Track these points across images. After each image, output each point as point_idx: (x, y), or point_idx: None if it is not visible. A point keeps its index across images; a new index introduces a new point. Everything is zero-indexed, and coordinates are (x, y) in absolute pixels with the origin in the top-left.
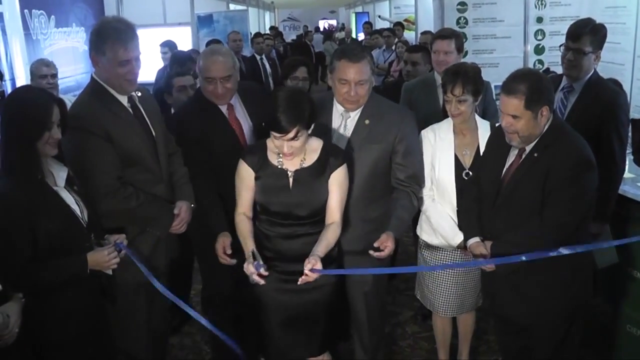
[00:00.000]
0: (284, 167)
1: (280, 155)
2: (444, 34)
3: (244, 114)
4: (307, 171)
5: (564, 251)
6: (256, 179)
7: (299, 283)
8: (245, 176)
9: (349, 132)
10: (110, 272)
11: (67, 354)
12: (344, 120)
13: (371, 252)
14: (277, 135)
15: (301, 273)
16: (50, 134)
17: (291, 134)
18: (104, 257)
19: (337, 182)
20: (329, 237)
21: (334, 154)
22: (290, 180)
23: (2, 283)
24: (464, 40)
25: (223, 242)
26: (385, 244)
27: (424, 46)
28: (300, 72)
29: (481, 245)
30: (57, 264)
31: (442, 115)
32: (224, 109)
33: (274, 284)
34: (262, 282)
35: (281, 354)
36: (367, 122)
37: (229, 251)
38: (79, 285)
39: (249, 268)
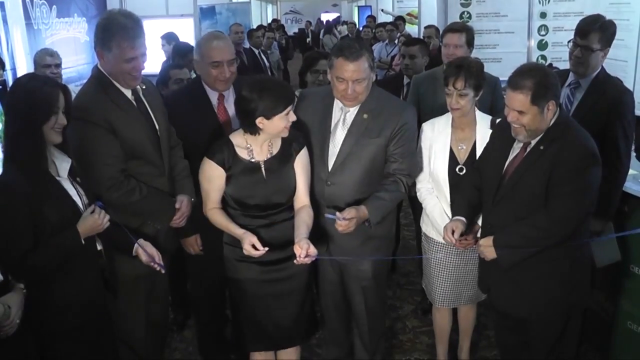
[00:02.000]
0: (254, 159)
1: (251, 147)
2: (455, 27)
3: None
4: (276, 159)
5: None
6: (228, 177)
7: (296, 262)
8: (215, 176)
9: (347, 126)
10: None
11: (69, 345)
12: (343, 115)
13: (336, 218)
14: (290, 107)
15: (282, 260)
16: (57, 119)
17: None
18: (96, 220)
19: (301, 165)
20: (307, 220)
21: (295, 138)
22: (263, 171)
23: (3, 272)
24: None
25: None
26: (346, 215)
27: (420, 39)
28: (321, 66)
29: (455, 222)
30: (49, 243)
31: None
32: (214, 99)
33: (257, 276)
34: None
35: (266, 344)
36: (365, 116)
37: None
38: (81, 276)
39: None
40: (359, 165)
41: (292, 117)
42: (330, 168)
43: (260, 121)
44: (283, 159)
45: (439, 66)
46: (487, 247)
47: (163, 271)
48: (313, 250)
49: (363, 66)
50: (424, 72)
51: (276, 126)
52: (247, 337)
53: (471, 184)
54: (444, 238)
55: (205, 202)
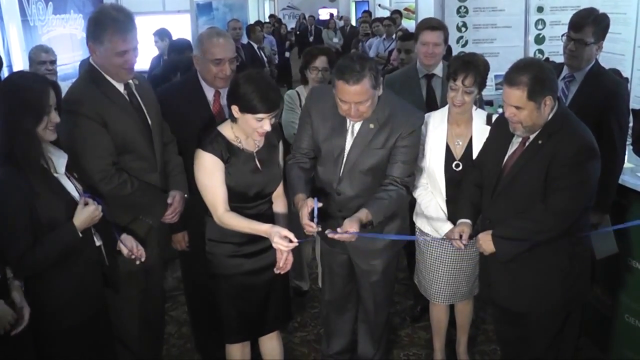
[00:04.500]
0: (246, 149)
1: (240, 139)
2: (433, 24)
3: None
4: (264, 149)
5: None
6: (228, 168)
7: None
8: (216, 168)
9: (354, 136)
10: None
11: (68, 343)
12: (352, 125)
13: (330, 235)
14: (266, 114)
15: (266, 249)
16: (49, 119)
17: (279, 108)
18: (93, 212)
19: (281, 156)
20: (285, 211)
21: (273, 129)
22: (257, 161)
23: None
24: (465, 29)
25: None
26: (349, 228)
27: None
28: (320, 62)
29: (462, 227)
30: (45, 240)
31: (425, 107)
32: (210, 95)
33: (246, 268)
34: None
35: (250, 333)
36: (371, 126)
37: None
38: (81, 273)
39: (310, 224)
40: (365, 175)
41: (266, 127)
42: (338, 177)
43: (234, 109)
44: (270, 149)
45: (411, 64)
46: (485, 241)
47: (138, 262)
48: (291, 259)
49: (364, 88)
50: (396, 72)
51: (247, 123)
52: (230, 330)
53: (472, 182)
54: (452, 244)
55: (214, 205)
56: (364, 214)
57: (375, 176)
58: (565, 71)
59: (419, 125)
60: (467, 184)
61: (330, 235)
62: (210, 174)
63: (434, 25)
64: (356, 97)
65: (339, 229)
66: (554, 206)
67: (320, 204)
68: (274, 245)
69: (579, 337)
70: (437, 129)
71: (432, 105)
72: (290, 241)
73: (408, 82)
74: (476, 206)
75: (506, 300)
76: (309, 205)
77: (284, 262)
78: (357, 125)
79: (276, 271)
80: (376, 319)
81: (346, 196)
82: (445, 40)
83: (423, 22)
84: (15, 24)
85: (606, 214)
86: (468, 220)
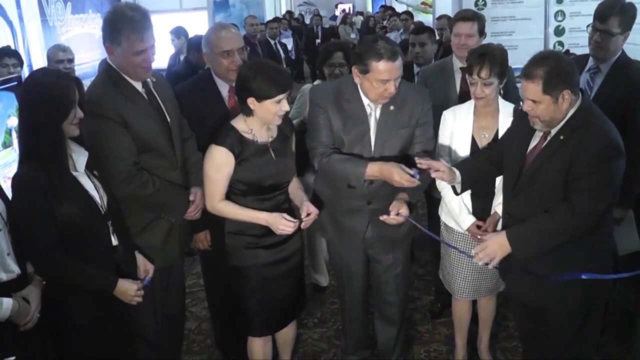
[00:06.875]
0: (260, 141)
1: (253, 131)
2: (466, 15)
3: None
4: (278, 140)
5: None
6: (241, 161)
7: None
8: (225, 163)
9: (377, 121)
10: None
11: (85, 340)
12: (373, 110)
13: (383, 217)
14: (283, 94)
15: (284, 241)
16: (75, 113)
17: (292, 85)
18: (132, 291)
19: (294, 144)
20: (301, 186)
21: (285, 119)
22: (272, 151)
23: (21, 265)
24: None
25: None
26: (399, 209)
27: (428, 27)
28: (336, 58)
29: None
30: (89, 272)
31: (458, 100)
32: (224, 91)
33: (263, 260)
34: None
35: (273, 327)
36: (392, 108)
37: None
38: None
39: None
40: (392, 155)
41: (285, 107)
42: None
43: (251, 101)
44: (283, 138)
45: (448, 56)
46: (501, 245)
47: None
48: (314, 210)
49: (401, 62)
50: (432, 64)
51: (267, 110)
52: (254, 323)
53: (484, 156)
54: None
55: (212, 195)
56: (405, 196)
57: (401, 160)
58: (590, 62)
59: (430, 101)
60: (479, 155)
61: (383, 218)
62: (219, 168)
63: (466, 16)
64: (398, 71)
65: (392, 213)
66: (579, 207)
67: (418, 177)
68: (277, 232)
69: (601, 334)
70: (462, 121)
71: (466, 98)
72: (290, 222)
73: (443, 75)
74: (476, 172)
75: (524, 294)
76: (405, 168)
77: (305, 214)
78: (378, 111)
79: (303, 226)
80: (399, 313)
81: (378, 183)
82: (480, 31)
83: (457, 13)
84: (35, 24)
85: (630, 209)
86: (456, 171)
